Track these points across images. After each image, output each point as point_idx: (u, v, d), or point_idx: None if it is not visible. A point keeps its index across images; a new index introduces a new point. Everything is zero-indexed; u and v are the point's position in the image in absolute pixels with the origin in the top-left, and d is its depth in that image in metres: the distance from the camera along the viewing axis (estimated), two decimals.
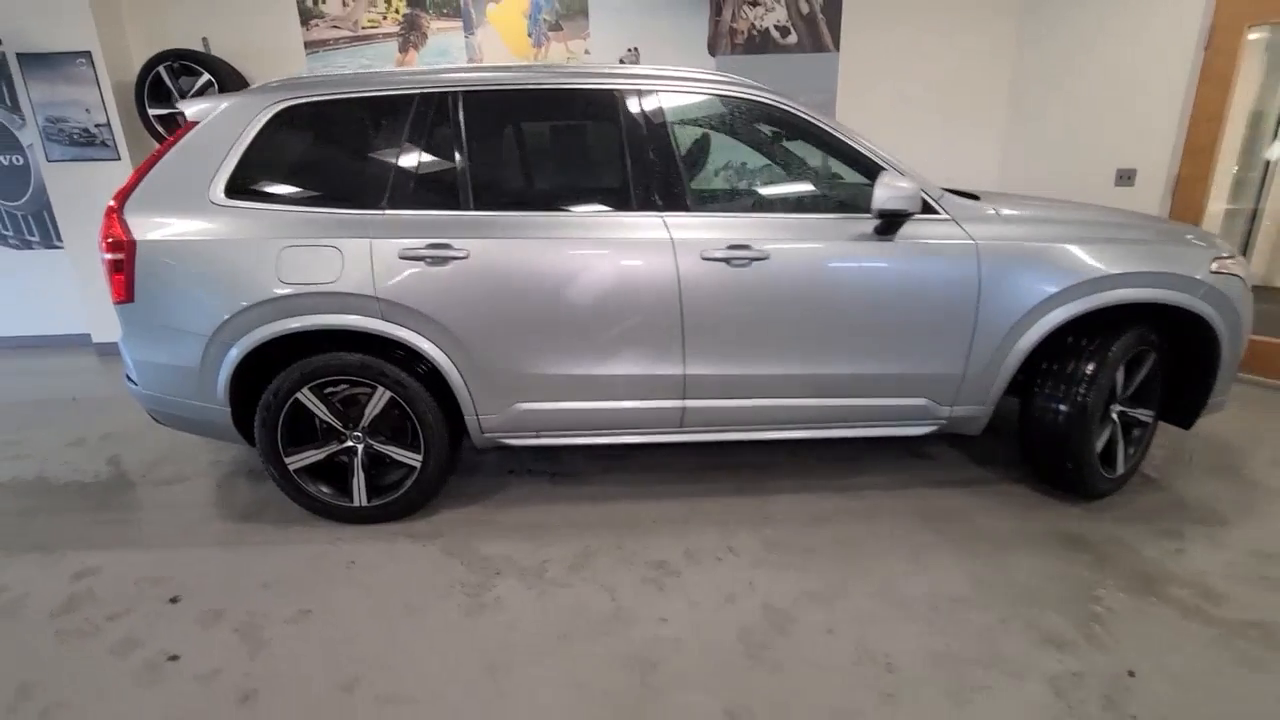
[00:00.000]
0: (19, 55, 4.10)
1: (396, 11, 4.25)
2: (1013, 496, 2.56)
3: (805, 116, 2.32)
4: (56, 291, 4.86)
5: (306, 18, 4.26)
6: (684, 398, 2.37)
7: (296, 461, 2.37)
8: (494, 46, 4.32)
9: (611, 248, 2.22)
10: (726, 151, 3.22)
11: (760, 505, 2.53)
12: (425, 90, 2.27)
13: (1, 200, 4.73)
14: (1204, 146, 3.54)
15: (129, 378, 2.43)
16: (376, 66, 4.33)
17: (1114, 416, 2.45)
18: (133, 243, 2.20)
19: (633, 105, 2.27)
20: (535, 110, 2.38)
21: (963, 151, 4.65)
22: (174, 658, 1.83)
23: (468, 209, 2.24)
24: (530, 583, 2.12)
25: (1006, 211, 2.34)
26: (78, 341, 4.95)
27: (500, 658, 1.80)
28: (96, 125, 4.24)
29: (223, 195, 2.23)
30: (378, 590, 2.10)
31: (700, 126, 2.57)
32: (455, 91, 2.27)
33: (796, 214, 2.32)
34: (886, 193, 2.09)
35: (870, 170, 2.29)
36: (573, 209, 2.31)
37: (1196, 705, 1.59)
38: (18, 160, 4.64)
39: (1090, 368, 2.28)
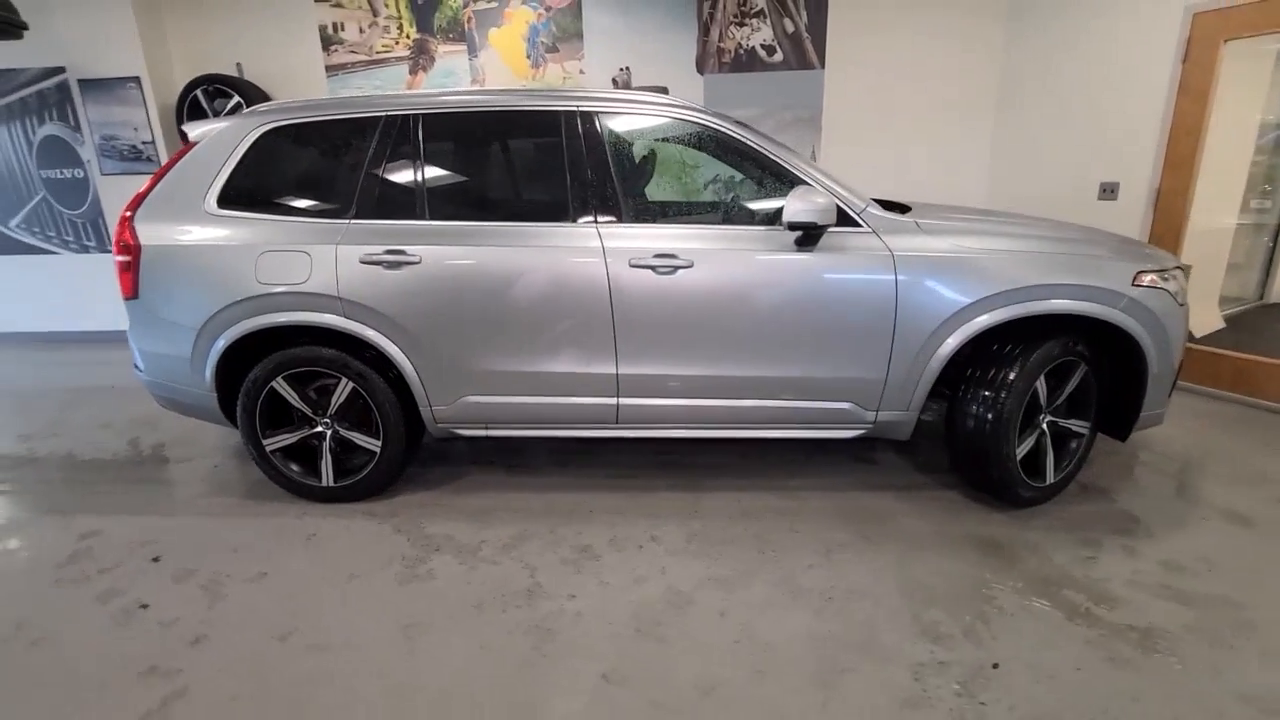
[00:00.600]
0: (79, 81, 4.62)
1: (407, 37, 4.59)
2: (943, 502, 2.62)
3: (733, 134, 2.47)
4: (108, 291, 5.38)
5: (327, 43, 4.65)
6: (618, 396, 2.54)
7: (272, 443, 2.65)
8: (496, 68, 4.62)
9: (549, 255, 2.42)
10: (715, 166, 3.45)
11: (695, 501, 2.67)
12: (390, 113, 2.53)
13: (64, 209, 5.30)
14: (1184, 160, 3.51)
15: (136, 366, 2.76)
16: (388, 88, 4.68)
17: (1043, 426, 2.50)
18: (139, 247, 2.53)
19: (573, 125, 2.48)
20: (486, 130, 2.60)
21: (952, 167, 4.67)
22: (144, 606, 2.11)
23: (423, 219, 2.48)
24: (463, 559, 2.32)
25: (928, 223, 2.43)
26: (124, 337, 5.46)
27: (419, 620, 2.01)
28: (143, 142, 4.73)
29: (215, 206, 2.54)
30: (329, 559, 2.34)
31: (638, 144, 2.75)
32: (416, 114, 2.52)
33: (724, 226, 2.47)
34: (795, 206, 2.22)
35: (795, 184, 2.42)
36: (517, 219, 2.52)
37: (1046, 696, 1.66)
38: (79, 174, 5.19)
39: (1007, 376, 2.35)
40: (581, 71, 4.56)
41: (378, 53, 4.64)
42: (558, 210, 2.47)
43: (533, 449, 3.18)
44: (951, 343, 2.37)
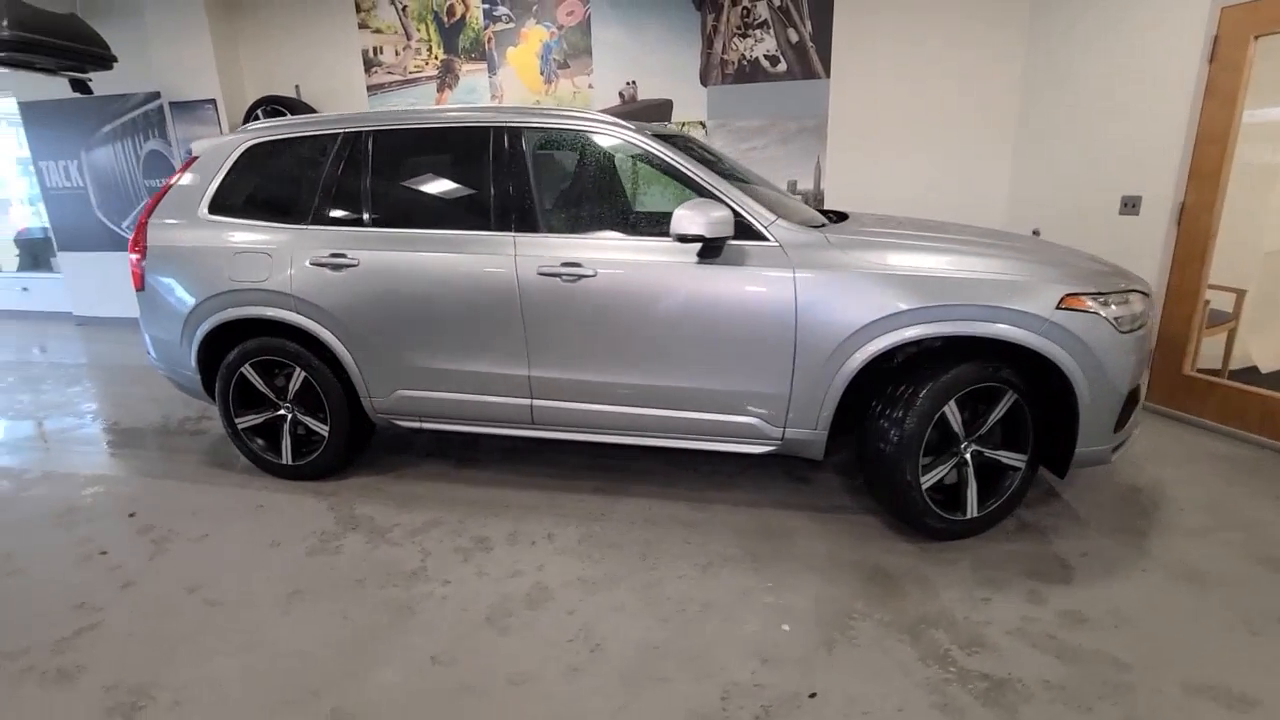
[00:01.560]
0: (170, 103, 5.37)
1: (436, 58, 4.96)
2: (857, 527, 2.51)
3: (649, 148, 2.50)
4: None
5: (369, 66, 5.12)
6: (531, 397, 2.65)
7: (243, 422, 2.99)
8: (512, 84, 4.88)
9: (469, 260, 2.57)
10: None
11: (609, 504, 2.72)
12: (346, 130, 2.79)
13: None
14: (1210, 171, 3.12)
15: (147, 350, 3.21)
16: (419, 104, 5.07)
17: (964, 456, 2.34)
18: (146, 247, 2.95)
19: (499, 140, 2.62)
20: (424, 145, 2.79)
21: (969, 181, 4.38)
22: (104, 552, 2.47)
23: (364, 225, 2.72)
24: (371, 539, 2.52)
25: (839, 239, 2.35)
26: None
27: (306, 588, 2.22)
28: None
29: (206, 212, 2.92)
30: (265, 528, 2.62)
31: (559, 158, 2.84)
32: (366, 130, 2.77)
33: (629, 237, 2.51)
34: (680, 217, 2.23)
35: (705, 196, 2.42)
36: (445, 227, 2.69)
37: None
38: None
39: (910, 398, 2.23)
40: (590, 86, 4.71)
41: (410, 73, 5.04)
42: (480, 219, 2.63)
43: (486, 446, 3.35)
44: (856, 361, 2.28)
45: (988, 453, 2.36)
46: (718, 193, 2.42)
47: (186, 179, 2.98)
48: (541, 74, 4.78)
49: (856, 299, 2.26)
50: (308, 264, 2.71)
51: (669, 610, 2.06)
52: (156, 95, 5.50)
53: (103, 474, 3.16)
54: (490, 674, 1.82)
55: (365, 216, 2.74)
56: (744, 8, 4.28)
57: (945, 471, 2.33)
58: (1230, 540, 2.37)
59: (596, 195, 2.81)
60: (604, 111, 4.73)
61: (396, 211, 2.75)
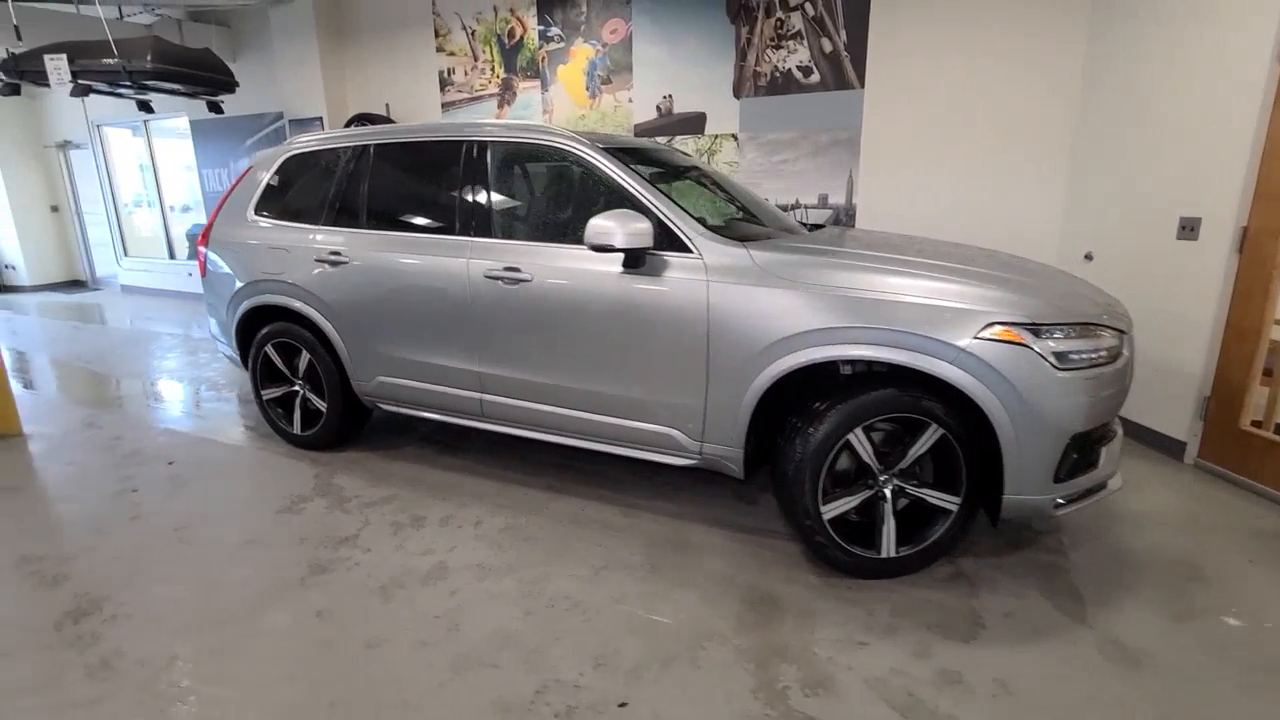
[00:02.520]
0: (290, 120, 6.25)
1: (497, 77, 5.35)
2: (773, 552, 2.42)
3: (590, 159, 2.58)
4: None
5: (443, 85, 5.63)
6: (481, 391, 2.83)
7: (267, 394, 3.46)
8: (561, 100, 5.14)
9: (433, 261, 2.81)
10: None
11: (548, 501, 2.83)
12: (355, 144, 3.16)
13: None
14: (1278, 191, 2.61)
15: (209, 326, 3.80)
16: (482, 119, 5.50)
17: (882, 491, 2.18)
18: (207, 241, 3.52)
19: (469, 153, 2.84)
20: (411, 156, 3.06)
21: (1018, 202, 3.95)
22: (134, 490, 2.99)
23: (360, 228, 3.06)
24: (330, 505, 2.82)
25: (762, 254, 2.29)
26: None
27: (258, 539, 2.55)
28: None
29: (252, 213, 3.43)
30: (258, 486, 3.02)
31: (515, 168, 2.96)
32: (369, 144, 3.12)
33: (569, 245, 2.60)
34: (593, 227, 2.29)
35: (638, 207, 2.46)
36: (420, 231, 2.95)
37: None
38: None
39: (812, 423, 2.12)
40: (630, 100, 4.85)
41: (476, 91, 5.48)
42: (448, 224, 2.86)
43: (474, 437, 3.58)
44: (765, 377, 2.22)
45: (910, 489, 2.19)
46: (648, 204, 2.45)
47: (244, 185, 3.51)
48: (587, 89, 5.00)
49: (766, 315, 2.20)
50: (313, 260, 3.11)
51: (539, 605, 2.13)
52: (280, 115, 6.42)
53: (177, 428, 3.79)
54: (355, 635, 2.00)
55: (361, 220, 3.08)
56: (778, 19, 4.20)
57: (853, 504, 2.19)
58: (1209, 631, 2.00)
59: (545, 204, 2.94)
60: (638, 125, 4.89)
61: (384, 216, 3.06)
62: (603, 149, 2.62)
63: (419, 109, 5.81)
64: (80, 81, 4.50)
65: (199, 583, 2.28)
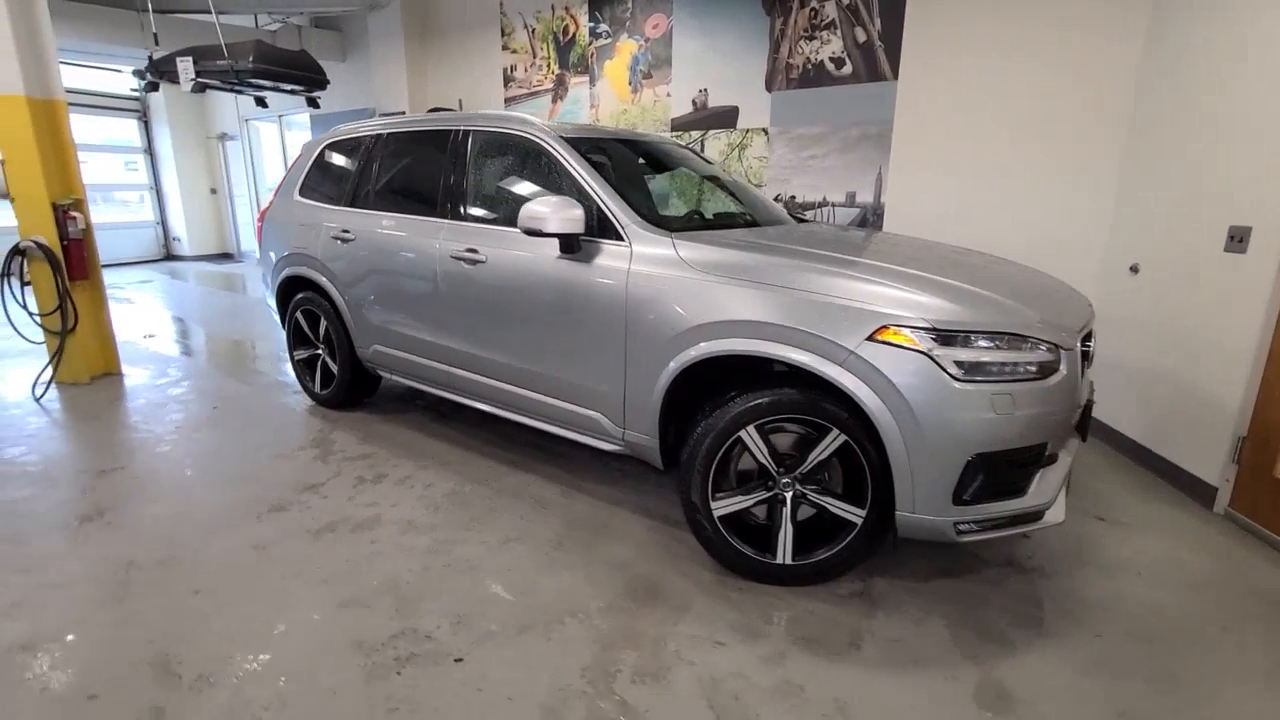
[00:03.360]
0: (379, 114, 6.88)
1: (552, 72, 5.57)
2: (686, 547, 2.38)
3: (547, 147, 2.67)
4: None
5: (506, 81, 5.95)
6: (449, 365, 3.02)
7: (298, 355, 3.89)
8: (607, 95, 5.25)
9: (412, 241, 3.04)
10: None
11: (503, 474, 2.97)
12: (369, 134, 3.47)
13: None
14: None
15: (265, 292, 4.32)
16: (535, 113, 5.75)
17: (782, 495, 2.10)
18: (264, 217, 4.01)
19: (455, 140, 3.03)
20: (411, 145, 3.30)
21: (1061, 208, 3.52)
22: (176, 427, 3.50)
23: (365, 209, 3.36)
24: (318, 456, 3.14)
25: (686, 242, 2.26)
26: None
27: (246, 478, 2.91)
28: None
29: (297, 194, 3.86)
30: (272, 435, 3.42)
31: (487, 155, 3.06)
32: (377, 134, 3.41)
33: (512, 229, 2.69)
34: (524, 213, 2.37)
35: (580, 195, 2.51)
36: (411, 212, 3.18)
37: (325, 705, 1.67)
38: None
39: (707, 419, 2.08)
40: (668, 95, 4.86)
41: (534, 86, 5.74)
42: (429, 207, 3.08)
43: (469, 409, 3.76)
44: (671, 369, 2.21)
45: (812, 495, 2.08)
46: (590, 191, 2.51)
47: (295, 169, 3.96)
48: (629, 84, 5.08)
49: (675, 305, 2.19)
50: (330, 238, 3.46)
51: (438, 563, 2.27)
52: (370, 109, 7.08)
53: (238, 380, 4.36)
54: (275, 566, 2.25)
55: (367, 202, 3.38)
56: (812, 9, 4.04)
57: (746, 503, 2.12)
58: (1115, 693, 1.74)
59: (506, 190, 3.05)
60: (675, 120, 4.89)
61: (384, 199, 3.33)
62: (563, 138, 2.70)
63: (485, 103, 6.18)
64: (198, 80, 5.26)
65: (179, 507, 2.65)
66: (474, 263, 2.78)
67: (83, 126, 9.85)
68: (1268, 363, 2.44)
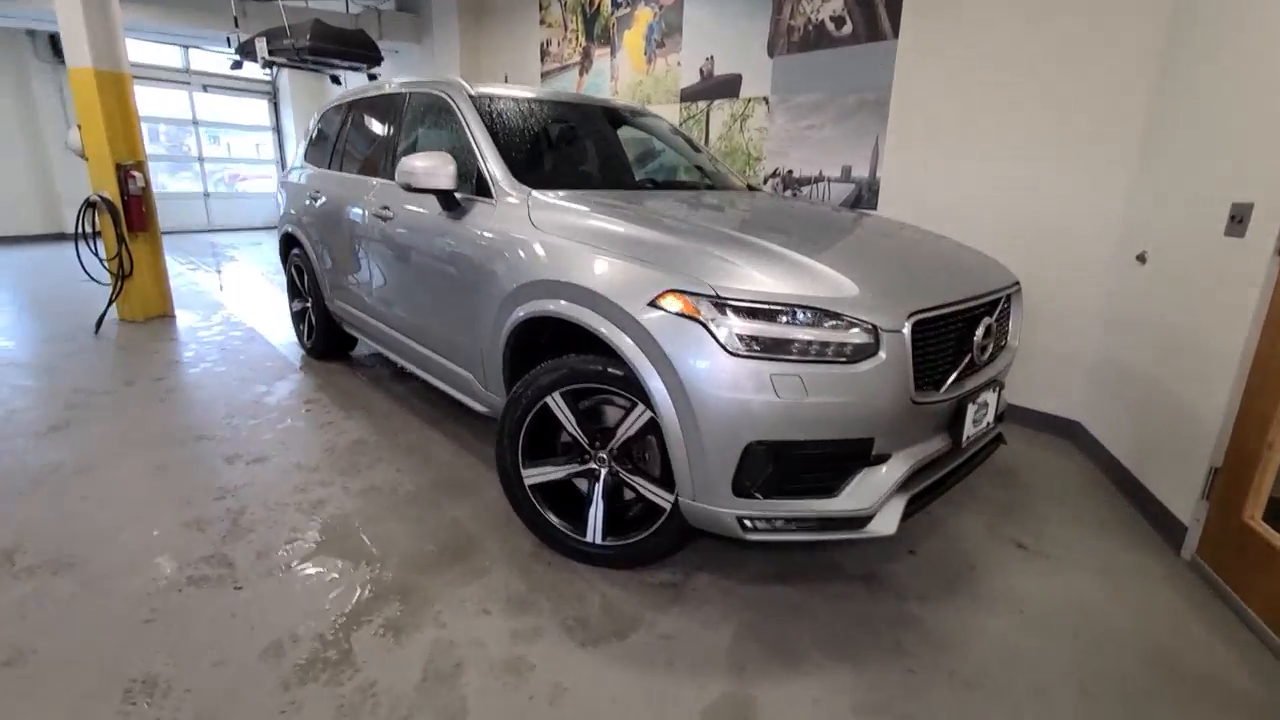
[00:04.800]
0: None
1: (580, 46, 5.53)
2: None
3: (454, 106, 2.65)
4: None
5: (542, 55, 5.99)
6: (377, 320, 3.13)
7: (294, 306, 4.22)
8: (625, 66, 5.12)
9: (355, 199, 3.17)
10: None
11: (419, 429, 3.05)
12: (348, 100, 3.64)
13: None
14: None
15: None
16: (565, 86, 5.74)
17: (598, 470, 1.97)
18: (279, 183, 4.37)
19: (399, 103, 3.11)
20: (370, 111, 3.40)
21: (1072, 189, 2.93)
22: (193, 365, 3.92)
23: (335, 170, 3.54)
24: (280, 396, 3.39)
25: (539, 200, 2.17)
26: None
27: (223, 407, 3.20)
28: None
29: (301, 159, 4.16)
30: (258, 372, 3.74)
31: (417, 117, 3.05)
32: (352, 100, 3.57)
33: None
34: (399, 168, 2.36)
35: (473, 155, 2.48)
36: (357, 173, 3.30)
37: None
38: None
39: (520, 384, 1.99)
40: (679, 64, 4.65)
41: (565, 60, 5.73)
42: (368, 168, 3.19)
43: None
44: (506, 328, 2.14)
45: (623, 474, 1.94)
46: (477, 148, 2.47)
47: (304, 137, 4.27)
48: (645, 54, 4.92)
49: (514, 263, 2.11)
50: (307, 197, 3.69)
51: (293, 500, 2.37)
52: None
53: (262, 329, 4.81)
54: (163, 485, 2.47)
55: (334, 164, 3.56)
56: None
57: (557, 475, 2.01)
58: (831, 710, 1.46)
59: (424, 149, 3.05)
60: (684, 89, 4.68)
61: (345, 160, 3.49)
62: (470, 96, 2.68)
63: (525, 79, 6.27)
64: (266, 58, 5.80)
65: (126, 426, 2.98)
66: (385, 219, 2.85)
67: (218, 107, 11.23)
68: (1251, 372, 1.92)
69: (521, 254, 2.09)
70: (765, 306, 1.58)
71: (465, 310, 2.39)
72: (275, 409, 3.25)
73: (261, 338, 4.55)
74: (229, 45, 6.28)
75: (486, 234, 2.25)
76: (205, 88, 10.93)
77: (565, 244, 1.97)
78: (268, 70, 9.58)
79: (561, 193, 2.28)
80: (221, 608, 1.80)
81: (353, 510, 2.33)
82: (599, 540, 1.98)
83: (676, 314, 1.63)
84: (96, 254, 4.74)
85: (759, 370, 1.56)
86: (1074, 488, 2.68)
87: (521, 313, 2.06)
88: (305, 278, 3.92)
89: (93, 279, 4.92)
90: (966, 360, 1.86)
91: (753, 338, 1.57)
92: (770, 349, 1.57)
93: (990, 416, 2.01)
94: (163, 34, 7.85)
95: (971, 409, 1.86)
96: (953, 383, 1.81)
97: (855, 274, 1.71)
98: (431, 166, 2.31)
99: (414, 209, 2.66)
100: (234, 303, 5.62)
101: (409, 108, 3.05)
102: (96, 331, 4.54)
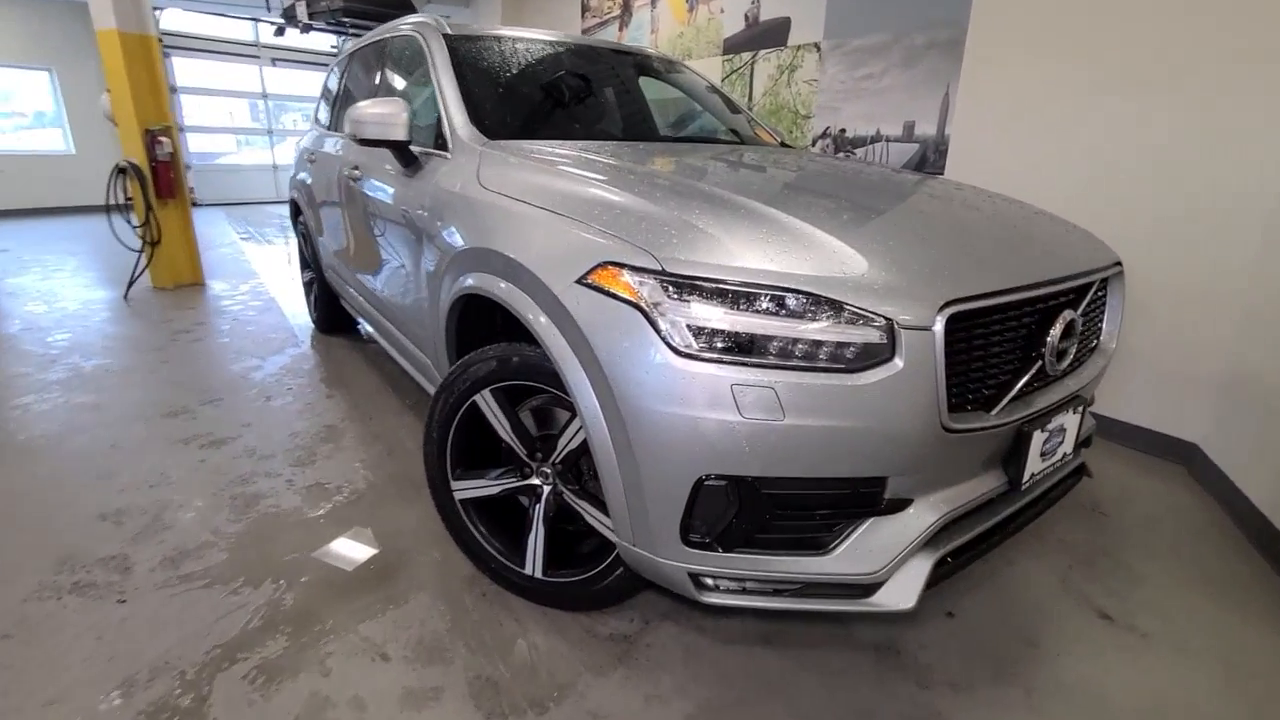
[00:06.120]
0: None
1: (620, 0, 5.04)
2: None
3: (425, 48, 2.27)
4: None
5: (583, 11, 5.54)
6: (358, 292, 2.84)
7: (304, 277, 4.04)
8: (665, 18, 4.60)
9: (332, 160, 2.87)
10: None
11: (388, 415, 2.75)
12: (350, 52, 3.34)
13: None
14: None
15: None
16: (606, 39, 5.28)
17: (541, 487, 1.58)
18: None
19: (374, 54, 2.80)
20: (356, 63, 3.08)
21: (1216, 160, 2.24)
22: (215, 329, 3.82)
23: (331, 130, 3.26)
24: (274, 364, 3.20)
25: (495, 153, 1.76)
26: None
27: (189, 379, 3.05)
28: None
29: (314, 119, 3.92)
30: (261, 342, 3.58)
31: (396, 62, 2.67)
32: (351, 51, 3.26)
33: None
34: (347, 117, 2.01)
35: (437, 103, 2.10)
36: (337, 132, 3.02)
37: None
38: None
39: (450, 377, 1.61)
40: (722, 11, 4.09)
41: (604, 14, 5.25)
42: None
43: None
44: (445, 302, 1.76)
45: (569, 496, 1.54)
46: (440, 93, 2.08)
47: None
48: (686, 3, 4.38)
49: (450, 228, 1.73)
50: (306, 159, 3.45)
51: (231, 490, 2.12)
52: None
53: (281, 298, 4.71)
54: (118, 461, 2.28)
55: (333, 123, 3.29)
56: None
57: (490, 490, 1.63)
58: None
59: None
60: (727, 40, 4.13)
61: (337, 118, 3.20)
62: (444, 35, 2.30)
63: (570, 32, 5.85)
64: (305, 21, 5.66)
65: (112, 398, 2.83)
66: (355, 180, 2.53)
67: (289, 80, 11.44)
68: None
69: (459, 217, 1.70)
70: (730, 288, 1.12)
71: (416, 284, 2.04)
72: (258, 385, 3.04)
73: (279, 309, 4.42)
74: (280, 13, 6.20)
75: (433, 194, 1.88)
76: (274, 61, 11.15)
77: (504, 203, 1.57)
78: (335, 40, 9.59)
79: (524, 144, 1.87)
80: (91, 625, 1.54)
81: (287, 510, 2.05)
82: (538, 574, 1.60)
83: (609, 295, 1.19)
84: (129, 221, 4.74)
85: (717, 378, 1.11)
86: (1185, 534, 2.06)
87: (456, 290, 1.67)
88: (309, 247, 3.71)
89: (127, 247, 4.94)
90: (1035, 368, 1.33)
91: (712, 331, 1.12)
92: (735, 348, 1.12)
93: (1068, 445, 1.47)
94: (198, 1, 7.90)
95: (1039, 438, 1.33)
96: (1012, 400, 1.29)
97: (872, 246, 1.22)
98: (381, 115, 1.94)
99: (378, 167, 2.32)
100: (269, 273, 5.56)
101: (389, 55, 2.70)
102: (125, 297, 4.54)
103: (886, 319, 1.10)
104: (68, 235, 7.30)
